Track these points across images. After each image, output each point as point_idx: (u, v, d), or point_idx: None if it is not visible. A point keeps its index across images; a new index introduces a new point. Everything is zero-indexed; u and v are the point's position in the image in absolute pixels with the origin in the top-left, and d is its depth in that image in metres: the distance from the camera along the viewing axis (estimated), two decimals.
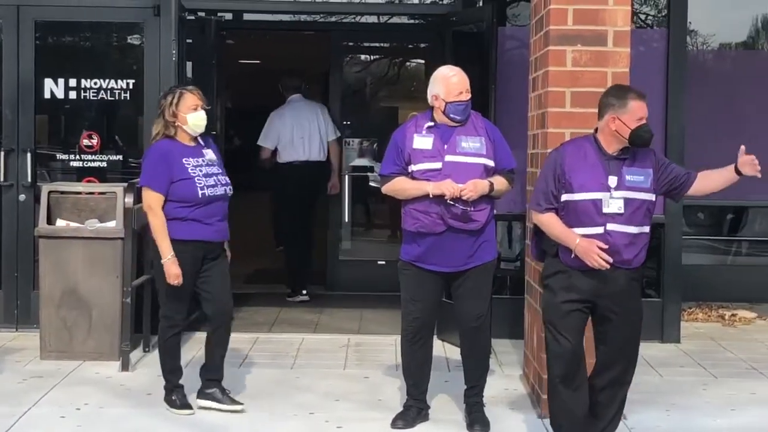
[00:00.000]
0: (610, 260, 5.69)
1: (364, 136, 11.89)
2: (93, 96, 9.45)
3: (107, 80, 9.43)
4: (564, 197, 5.82)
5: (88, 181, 9.27)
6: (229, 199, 6.96)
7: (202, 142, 6.94)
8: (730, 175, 5.95)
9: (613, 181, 5.76)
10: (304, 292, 10.93)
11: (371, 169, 11.67)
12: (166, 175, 6.71)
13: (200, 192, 6.71)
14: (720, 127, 10.90)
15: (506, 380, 7.79)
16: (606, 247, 5.70)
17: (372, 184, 11.81)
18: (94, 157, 9.49)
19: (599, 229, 5.74)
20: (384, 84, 12.64)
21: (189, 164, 6.76)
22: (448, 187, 6.40)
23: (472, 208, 6.46)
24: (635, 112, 5.78)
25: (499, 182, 6.58)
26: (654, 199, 5.91)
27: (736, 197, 10.87)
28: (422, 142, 6.57)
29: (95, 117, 9.64)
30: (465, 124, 6.60)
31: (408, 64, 12.77)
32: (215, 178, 6.84)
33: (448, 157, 6.51)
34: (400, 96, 12.72)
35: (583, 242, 5.72)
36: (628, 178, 5.79)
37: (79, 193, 8.51)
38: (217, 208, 6.83)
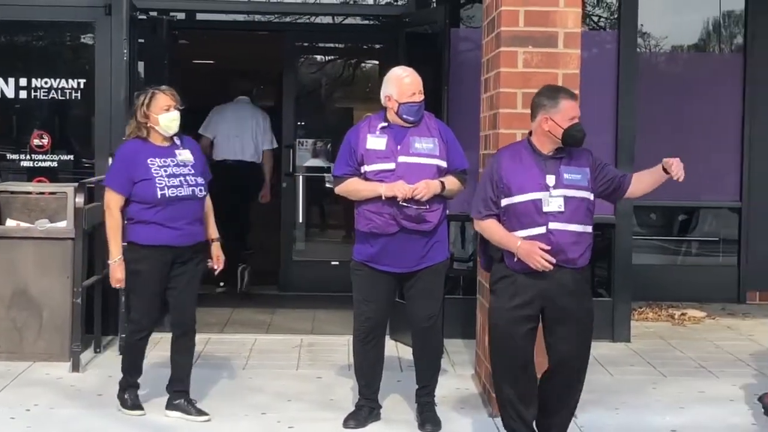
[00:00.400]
0: (553, 261, 5.69)
1: (318, 136, 11.88)
2: (44, 95, 9.41)
3: (58, 80, 9.39)
4: (504, 202, 5.82)
5: (39, 181, 9.22)
6: (201, 200, 6.79)
7: (177, 142, 6.81)
8: (659, 174, 5.96)
9: (551, 179, 5.77)
10: (222, 283, 11.00)
11: (325, 170, 11.67)
12: (126, 175, 6.62)
13: (159, 192, 6.58)
14: (671, 128, 11.02)
15: (458, 380, 7.82)
16: (548, 247, 5.69)
17: (327, 185, 11.81)
18: (44, 156, 9.45)
19: (541, 229, 5.73)
20: (338, 85, 12.65)
21: (153, 165, 6.64)
22: (400, 189, 6.42)
23: (427, 207, 6.49)
24: (567, 112, 5.80)
25: (451, 182, 6.61)
26: (593, 198, 5.90)
27: (686, 198, 11.04)
28: (376, 142, 6.58)
29: (46, 117, 9.61)
30: (418, 125, 6.62)
31: (362, 65, 12.78)
32: (182, 178, 6.69)
33: (402, 158, 6.53)
34: (355, 97, 12.73)
35: (525, 244, 5.72)
36: (565, 176, 5.80)
37: (30, 193, 8.46)
38: (184, 210, 6.66)
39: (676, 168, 5.86)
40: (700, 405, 7.30)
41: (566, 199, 5.76)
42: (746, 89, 11.06)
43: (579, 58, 6.89)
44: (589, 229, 5.87)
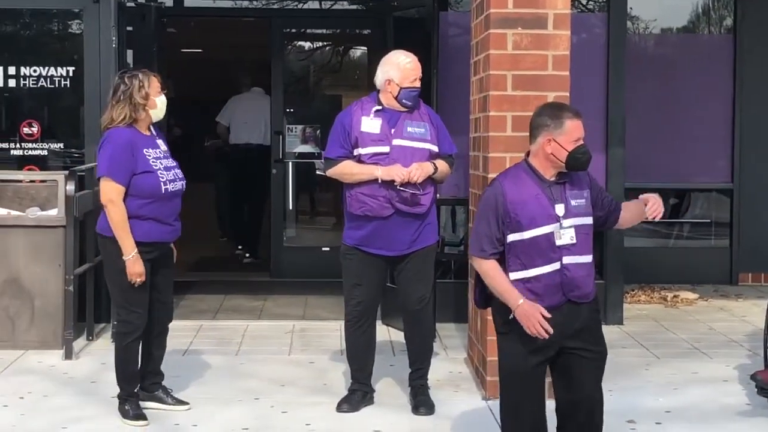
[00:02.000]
0: (551, 331, 5.01)
1: (307, 123, 11.86)
2: (33, 84, 9.38)
3: (47, 68, 9.36)
4: (511, 237, 5.11)
5: (29, 170, 9.19)
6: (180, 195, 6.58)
7: (154, 132, 6.56)
8: (640, 207, 5.43)
9: (560, 209, 5.13)
10: (247, 254, 12.59)
11: (315, 156, 11.66)
12: (127, 165, 6.26)
13: (163, 187, 6.32)
14: (661, 111, 11.02)
15: (451, 363, 7.82)
16: (549, 316, 5.02)
17: (317, 171, 11.81)
18: (34, 145, 9.43)
19: (556, 266, 5.08)
20: (326, 71, 12.61)
21: (150, 156, 6.35)
22: (398, 172, 6.43)
23: (421, 191, 6.50)
24: (572, 133, 5.13)
25: (442, 165, 6.64)
26: (592, 223, 5.28)
27: (677, 180, 11.06)
28: (370, 125, 6.58)
29: (35, 105, 9.58)
30: (411, 109, 6.63)
31: (350, 50, 12.75)
32: (174, 172, 6.47)
33: (396, 141, 6.55)
34: (343, 82, 12.70)
35: (526, 305, 5.03)
36: (573, 203, 5.17)
37: (20, 181, 8.45)
38: (176, 205, 6.48)
39: (652, 205, 5.39)
40: (694, 386, 7.31)
41: (576, 228, 5.15)
42: (736, 70, 11.07)
43: (569, 39, 6.88)
44: (591, 257, 5.25)
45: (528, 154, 5.25)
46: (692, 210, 11.58)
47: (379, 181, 6.47)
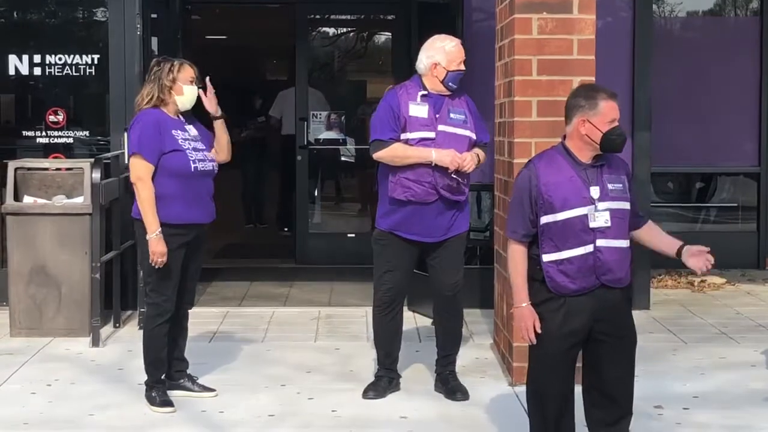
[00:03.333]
0: (534, 341, 5.12)
1: (331, 109, 11.86)
2: (58, 72, 9.38)
3: (72, 56, 9.36)
4: (544, 219, 5.14)
5: (55, 157, 9.22)
6: (213, 177, 6.57)
7: (183, 119, 6.55)
8: (670, 249, 5.38)
9: (595, 191, 5.14)
10: (285, 228, 13.22)
11: (340, 142, 11.67)
12: (156, 144, 6.30)
13: (192, 165, 6.37)
14: (688, 94, 10.97)
15: (477, 349, 7.81)
16: (540, 332, 5.11)
17: (342, 158, 11.83)
18: (60, 133, 9.44)
19: (589, 248, 5.10)
20: (350, 57, 12.62)
21: (178, 136, 6.39)
22: (453, 159, 6.44)
23: (465, 180, 6.56)
24: (607, 114, 5.15)
25: (482, 156, 6.71)
26: (629, 207, 5.27)
27: (704, 164, 11.01)
28: (418, 110, 6.57)
29: (61, 93, 9.59)
30: (452, 95, 6.63)
31: (374, 36, 12.73)
32: (203, 153, 6.49)
33: (441, 127, 6.55)
34: (367, 69, 12.70)
35: (527, 310, 5.14)
36: (609, 186, 5.17)
37: (46, 169, 8.47)
38: (208, 185, 6.50)
39: (696, 262, 5.35)
40: (721, 371, 7.29)
41: (612, 212, 5.14)
42: (763, 53, 11.00)
43: (594, 23, 6.84)
44: (628, 242, 5.26)
45: (564, 137, 5.26)
46: (719, 194, 11.53)
47: (433, 164, 6.46)
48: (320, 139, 11.59)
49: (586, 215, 5.11)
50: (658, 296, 9.56)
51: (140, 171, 6.32)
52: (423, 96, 6.59)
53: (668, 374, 7.21)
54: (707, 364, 7.44)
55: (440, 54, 6.60)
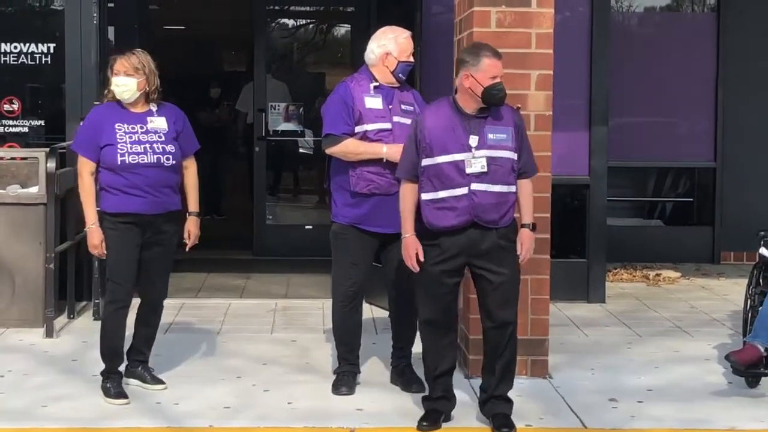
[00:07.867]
0: (417, 268, 5.85)
1: (291, 100, 11.81)
2: (13, 60, 9.30)
3: (27, 44, 9.28)
4: (425, 162, 5.78)
5: (9, 147, 9.14)
6: (171, 169, 6.51)
7: (153, 110, 6.54)
8: (519, 217, 5.96)
9: (473, 140, 5.72)
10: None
11: (298, 134, 11.64)
12: (93, 140, 6.42)
13: (119, 158, 6.38)
14: (644, 89, 11.02)
15: None
16: (423, 260, 5.82)
17: (300, 149, 11.80)
18: (15, 122, 9.36)
19: (463, 190, 5.71)
20: (310, 49, 12.58)
21: (120, 130, 6.41)
22: None
23: None
24: (488, 70, 5.72)
25: None
26: (516, 157, 5.84)
27: (660, 159, 11.07)
28: (373, 101, 6.55)
29: (15, 82, 9.49)
30: (401, 88, 6.65)
31: (333, 27, 12.71)
32: (147, 145, 6.44)
33: (395, 118, 6.55)
34: (326, 61, 12.67)
35: (411, 239, 5.84)
36: (490, 136, 5.75)
37: (1, 158, 8.38)
38: (148, 178, 6.43)
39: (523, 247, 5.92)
40: (676, 365, 7.33)
41: (489, 159, 5.73)
42: (720, 49, 11.07)
43: (552, 17, 6.85)
44: (513, 188, 5.83)
45: (456, 91, 5.85)
46: (675, 189, 11.59)
47: (384, 160, 6.45)
48: (278, 130, 11.56)
49: (462, 161, 5.71)
50: (613, 290, 9.60)
51: (79, 166, 6.52)
52: (375, 87, 6.57)
53: (623, 368, 7.24)
54: (662, 358, 7.48)
55: (392, 44, 6.59)
